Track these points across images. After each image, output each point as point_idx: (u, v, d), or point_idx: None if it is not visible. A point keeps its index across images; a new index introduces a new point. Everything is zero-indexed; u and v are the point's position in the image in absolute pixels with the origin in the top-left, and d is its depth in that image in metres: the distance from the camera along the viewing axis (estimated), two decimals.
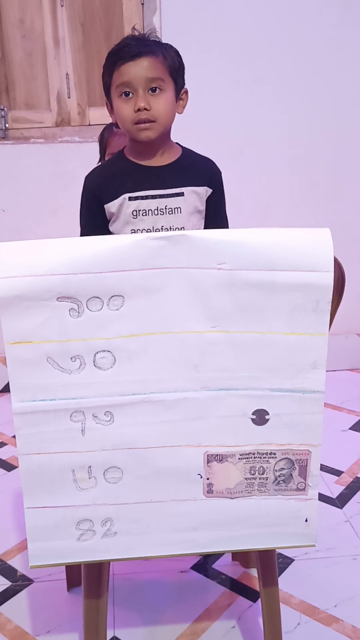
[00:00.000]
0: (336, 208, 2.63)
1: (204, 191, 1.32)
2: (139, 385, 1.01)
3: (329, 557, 1.60)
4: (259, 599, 1.26)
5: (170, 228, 1.29)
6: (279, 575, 1.31)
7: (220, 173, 1.36)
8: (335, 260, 0.99)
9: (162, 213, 1.29)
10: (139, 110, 1.23)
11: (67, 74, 2.42)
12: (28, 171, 2.45)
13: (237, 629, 1.40)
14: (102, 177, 1.33)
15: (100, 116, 2.44)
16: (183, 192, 1.30)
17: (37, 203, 2.48)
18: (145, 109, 1.23)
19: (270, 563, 1.20)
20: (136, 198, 1.28)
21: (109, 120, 2.25)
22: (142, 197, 1.28)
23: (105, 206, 1.30)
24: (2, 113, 2.42)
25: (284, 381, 1.02)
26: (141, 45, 1.24)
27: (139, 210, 1.28)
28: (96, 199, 1.31)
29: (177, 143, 1.36)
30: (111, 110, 1.31)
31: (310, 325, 1.00)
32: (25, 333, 0.97)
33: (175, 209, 1.29)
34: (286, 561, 1.58)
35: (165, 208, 1.29)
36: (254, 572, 1.55)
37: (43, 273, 0.95)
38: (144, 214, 1.29)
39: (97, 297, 0.96)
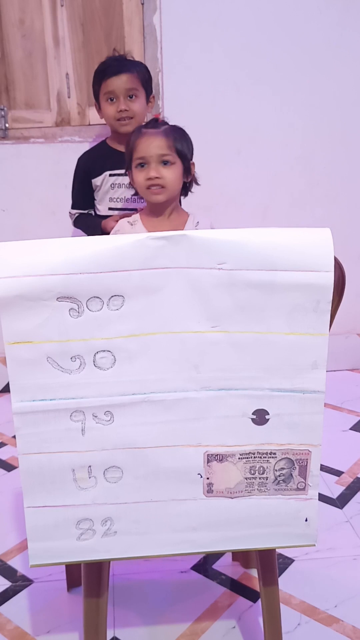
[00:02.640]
0: (336, 208, 2.63)
1: None
2: (139, 385, 1.01)
3: (329, 557, 1.60)
4: (259, 599, 1.26)
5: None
6: (279, 576, 1.31)
7: None
8: (336, 260, 0.99)
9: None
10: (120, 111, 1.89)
11: (67, 74, 2.41)
12: (28, 171, 2.45)
13: (237, 629, 1.40)
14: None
15: None
16: None
17: (37, 203, 2.48)
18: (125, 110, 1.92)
19: (271, 563, 1.20)
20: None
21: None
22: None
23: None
24: (2, 113, 2.42)
25: (284, 381, 1.02)
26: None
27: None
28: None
29: None
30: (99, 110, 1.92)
31: (311, 325, 1.00)
32: (25, 333, 0.97)
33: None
34: (286, 561, 1.58)
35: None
36: (254, 572, 1.55)
37: (43, 273, 0.95)
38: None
39: (97, 297, 0.96)
